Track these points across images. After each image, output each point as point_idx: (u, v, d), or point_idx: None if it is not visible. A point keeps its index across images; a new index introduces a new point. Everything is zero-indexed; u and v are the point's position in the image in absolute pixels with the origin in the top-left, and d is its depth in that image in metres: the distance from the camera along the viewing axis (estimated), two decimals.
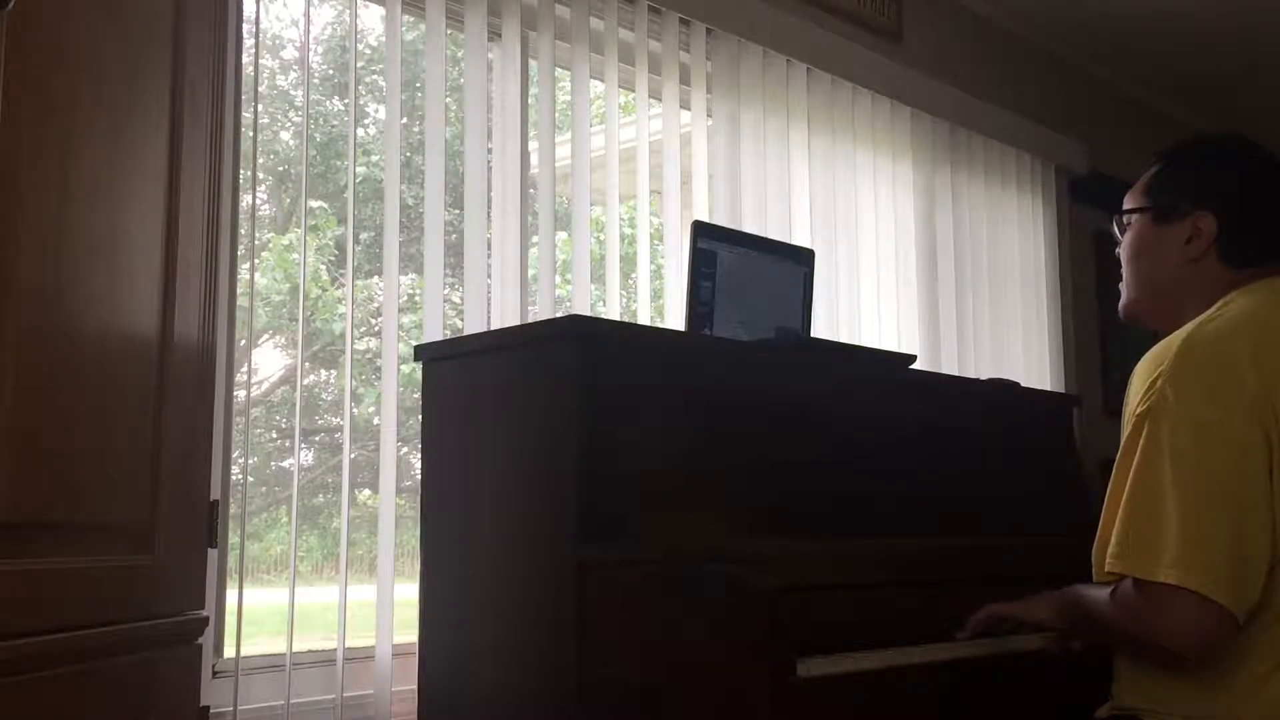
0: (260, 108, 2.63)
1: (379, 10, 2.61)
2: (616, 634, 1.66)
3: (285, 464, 3.75)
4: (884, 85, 3.57)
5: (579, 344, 1.79)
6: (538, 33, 2.77)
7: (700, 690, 1.59)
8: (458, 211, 2.70)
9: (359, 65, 2.87)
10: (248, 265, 2.32)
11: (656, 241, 3.01)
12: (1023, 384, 2.94)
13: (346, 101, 2.97)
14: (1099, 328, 4.54)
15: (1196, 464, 1.50)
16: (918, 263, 3.65)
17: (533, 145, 2.80)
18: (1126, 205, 1.82)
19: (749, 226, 3.03)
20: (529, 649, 1.81)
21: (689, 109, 3.11)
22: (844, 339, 3.18)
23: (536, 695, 1.79)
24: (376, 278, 3.30)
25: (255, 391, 3.07)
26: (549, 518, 1.78)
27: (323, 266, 4.32)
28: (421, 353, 2.11)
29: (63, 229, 1.40)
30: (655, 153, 2.99)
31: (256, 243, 2.41)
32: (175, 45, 1.63)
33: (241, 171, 2.33)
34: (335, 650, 2.31)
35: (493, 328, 2.55)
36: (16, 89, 1.29)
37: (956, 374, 3.55)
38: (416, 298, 2.74)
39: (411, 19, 2.70)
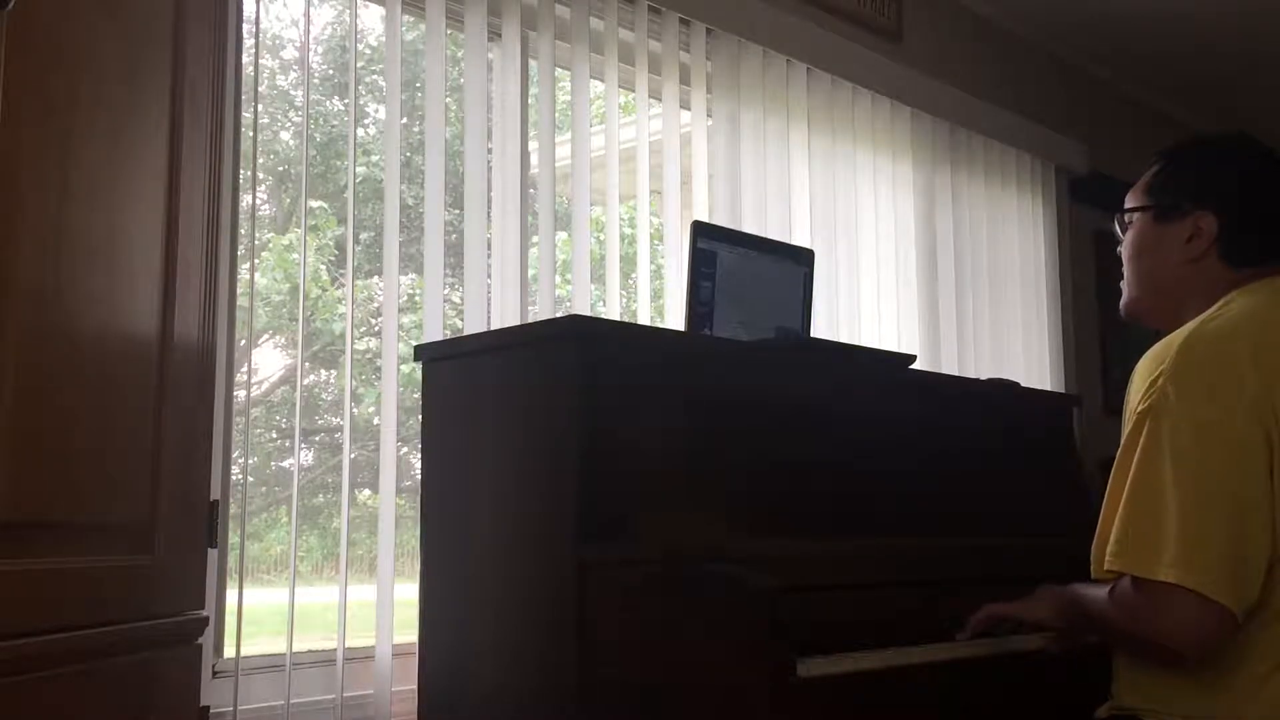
0: (260, 108, 2.63)
1: (379, 10, 2.61)
2: (616, 634, 1.66)
3: (285, 464, 3.75)
4: (884, 85, 3.57)
5: (579, 344, 1.79)
6: (538, 33, 2.77)
7: (700, 690, 1.59)
8: (458, 211, 2.70)
9: (359, 65, 2.87)
10: (248, 265, 2.32)
11: (656, 241, 3.01)
12: (1023, 384, 2.94)
13: (346, 101, 2.97)
14: (1099, 328, 4.54)
15: (1196, 463, 1.50)
16: (918, 263, 3.65)
17: (533, 145, 2.80)
18: (1128, 204, 1.82)
19: (749, 226, 3.03)
20: (529, 649, 1.81)
21: (689, 109, 3.11)
22: (844, 339, 3.17)
23: (536, 695, 1.79)
24: (376, 278, 3.30)
25: (255, 391, 3.07)
26: (549, 518, 1.78)
27: (323, 266, 4.32)
28: (421, 353, 2.11)
29: (63, 229, 1.40)
30: (655, 153, 2.99)
31: (256, 243, 2.41)
32: (175, 45, 1.63)
33: (241, 171, 2.33)
34: (335, 650, 2.31)
35: (493, 328, 2.55)
36: (16, 89, 1.29)
37: (956, 374, 3.55)
38: (416, 298, 2.74)
39: (411, 19, 2.70)
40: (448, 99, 2.67)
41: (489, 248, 2.65)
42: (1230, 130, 1.85)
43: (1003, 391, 2.51)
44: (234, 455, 2.31)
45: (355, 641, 2.35)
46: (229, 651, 2.19)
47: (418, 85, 2.93)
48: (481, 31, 2.66)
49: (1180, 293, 1.74)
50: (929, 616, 1.84)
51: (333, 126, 4.37)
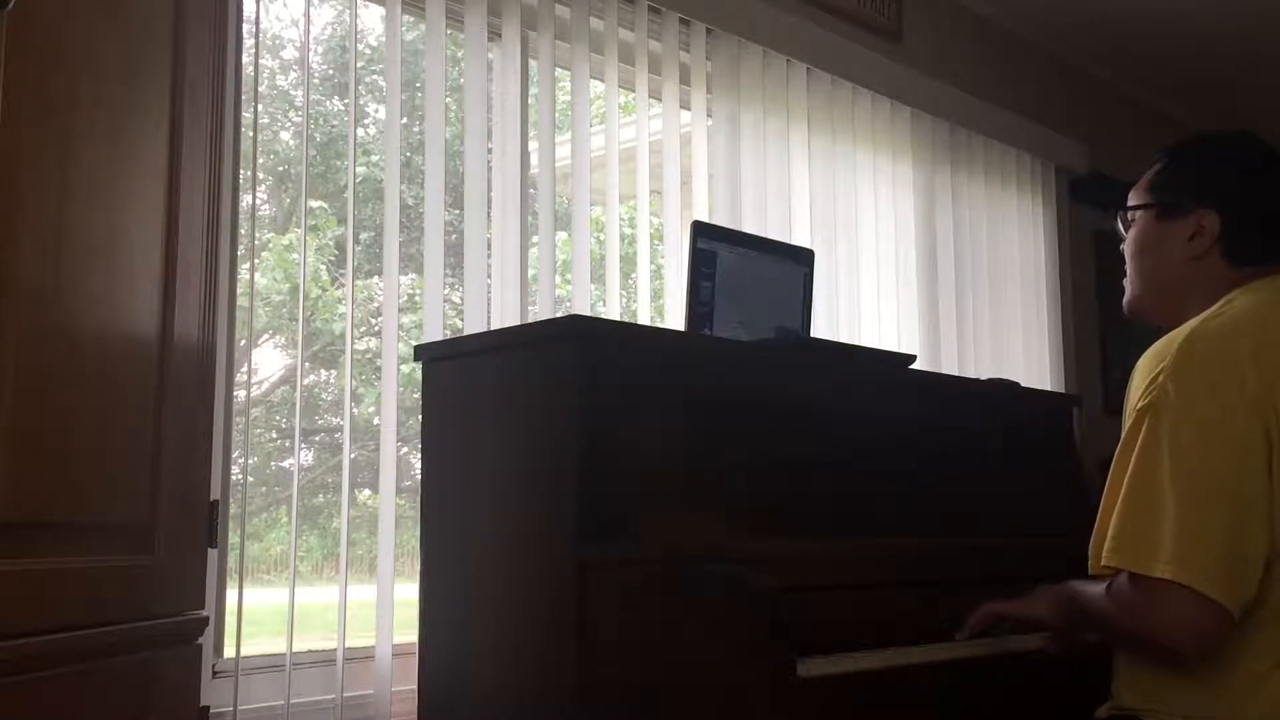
0: (260, 108, 2.63)
1: (379, 10, 2.61)
2: (616, 634, 1.66)
3: (285, 464, 3.75)
4: (884, 85, 3.57)
5: (579, 344, 1.79)
6: (538, 33, 2.77)
7: (700, 690, 1.59)
8: (458, 211, 2.70)
9: (359, 65, 2.87)
10: (248, 265, 2.32)
11: (656, 241, 3.01)
12: (1023, 384, 2.94)
13: (346, 101, 2.97)
14: (1099, 327, 4.54)
15: (1196, 460, 1.50)
16: (918, 263, 3.65)
17: (533, 145, 2.80)
18: (1131, 201, 1.82)
19: (749, 226, 3.03)
20: (529, 649, 1.81)
21: (689, 109, 3.11)
22: (844, 339, 3.17)
23: (536, 695, 1.79)
24: (376, 278, 3.30)
25: (255, 391, 3.07)
26: (549, 518, 1.78)
27: (323, 266, 4.32)
28: (421, 353, 2.11)
29: (63, 229, 1.40)
30: (655, 153, 2.99)
31: (256, 243, 2.41)
32: (175, 45, 1.64)
33: (241, 171, 2.33)
34: (335, 650, 2.31)
35: (493, 328, 2.55)
36: (16, 89, 1.30)
37: (956, 374, 3.55)
38: (416, 298, 2.74)
39: (411, 19, 2.70)
40: (448, 99, 2.67)
41: (489, 248, 2.65)
42: (1232, 129, 1.85)
43: (1003, 391, 2.51)
44: (234, 455, 2.31)
45: (355, 641, 2.35)
46: (229, 651, 2.19)
47: (418, 85, 2.93)
48: (481, 31, 2.66)
49: (1182, 290, 1.74)
50: (929, 616, 1.84)
51: (333, 126, 4.37)
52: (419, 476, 2.12)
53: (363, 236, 3.67)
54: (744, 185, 3.11)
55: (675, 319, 2.85)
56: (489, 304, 2.62)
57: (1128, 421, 1.59)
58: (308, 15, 2.53)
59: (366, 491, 3.00)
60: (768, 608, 1.56)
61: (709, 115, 3.12)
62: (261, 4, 2.42)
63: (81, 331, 1.44)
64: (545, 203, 2.73)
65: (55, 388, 1.39)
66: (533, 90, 2.84)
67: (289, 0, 3.90)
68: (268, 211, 4.42)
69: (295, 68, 4.38)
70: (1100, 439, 3.73)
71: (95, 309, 1.47)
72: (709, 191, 3.09)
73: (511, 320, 2.59)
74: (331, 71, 4.59)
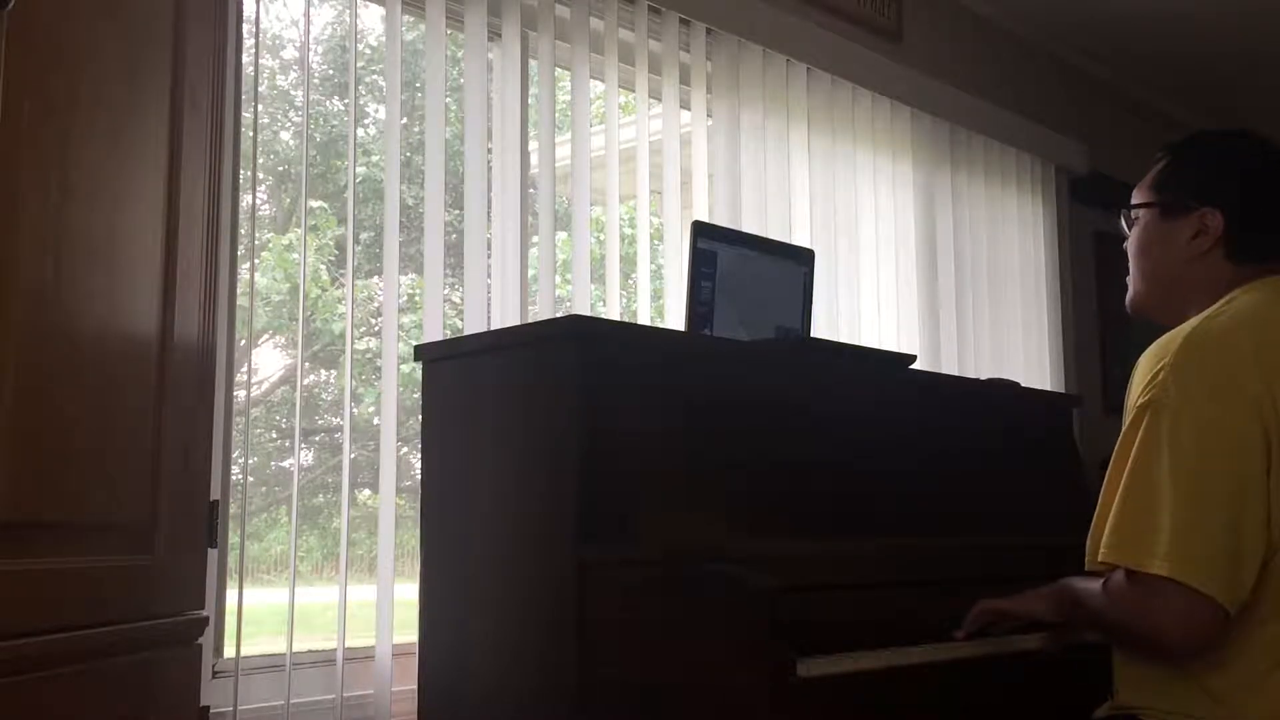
0: (260, 108, 2.63)
1: (379, 10, 2.61)
2: (616, 634, 1.66)
3: (285, 464, 3.74)
4: (884, 85, 3.57)
5: (579, 344, 1.79)
6: (538, 33, 2.78)
7: (700, 690, 1.59)
8: (458, 211, 2.70)
9: (359, 65, 2.87)
10: (248, 265, 2.32)
11: (656, 241, 3.01)
12: (1023, 384, 2.94)
13: (346, 101, 2.97)
14: (1099, 328, 4.54)
15: (1194, 458, 1.50)
16: (918, 263, 3.65)
17: (533, 145, 2.80)
18: (1134, 200, 1.83)
19: (749, 226, 3.03)
20: (529, 649, 1.81)
21: (689, 109, 3.11)
22: (844, 339, 3.17)
23: (536, 695, 1.79)
24: (376, 278, 3.30)
25: (255, 391, 3.07)
26: (549, 518, 1.78)
27: (323, 266, 4.32)
28: (421, 353, 2.11)
29: (63, 229, 1.40)
30: (655, 153, 2.99)
31: (256, 243, 2.41)
32: (175, 45, 1.64)
33: (241, 171, 2.33)
34: (335, 650, 2.31)
35: (493, 328, 2.55)
36: (16, 89, 1.30)
37: (956, 374, 3.55)
38: (416, 298, 2.74)
39: (411, 19, 2.70)
40: (448, 99, 2.67)
41: (489, 248, 2.65)
42: (1234, 128, 1.85)
43: (1003, 391, 2.51)
44: (234, 455, 2.31)
45: (355, 641, 2.35)
46: (229, 651, 2.19)
47: (418, 85, 2.93)
48: (481, 31, 2.66)
49: (1185, 289, 1.74)
50: (929, 616, 1.84)
51: (333, 126, 4.37)
52: (419, 476, 2.12)
53: (363, 236, 3.67)
54: (744, 185, 3.11)
55: (675, 319, 2.85)
56: (489, 304, 2.62)
57: (1128, 418, 1.60)
58: (308, 15, 2.53)
59: (366, 491, 3.00)
60: (768, 608, 1.56)
61: (709, 115, 3.12)
62: (261, 4, 2.42)
63: (81, 331, 1.44)
64: (545, 203, 2.73)
65: (55, 388, 1.39)
66: (533, 90, 2.84)
67: (289, 0, 3.90)
68: (268, 211, 4.42)
69: (295, 68, 4.38)
70: (1100, 439, 3.73)
71: (95, 309, 1.47)
72: (709, 191, 3.09)
73: (511, 320, 2.59)
74: (331, 71, 4.59)
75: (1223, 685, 1.53)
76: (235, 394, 2.32)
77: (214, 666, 2.18)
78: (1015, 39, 4.31)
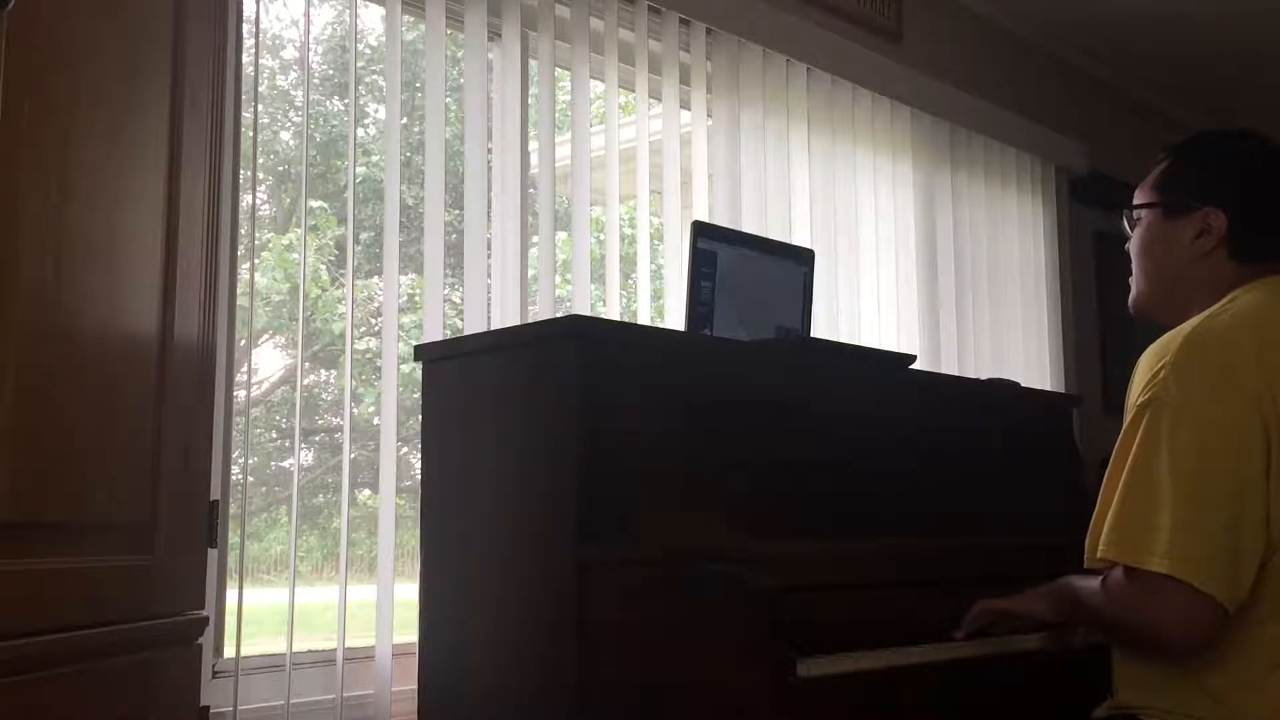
0: (260, 108, 2.63)
1: (379, 10, 2.61)
2: (616, 634, 1.66)
3: (285, 464, 3.74)
4: (884, 85, 3.57)
5: (579, 344, 1.79)
6: (538, 33, 2.78)
7: (700, 690, 1.59)
8: (458, 211, 2.70)
9: (359, 65, 2.87)
10: (248, 265, 2.32)
11: (656, 241, 3.01)
12: (1023, 384, 2.94)
13: (346, 101, 2.97)
14: (1099, 328, 4.54)
15: (1194, 457, 1.51)
16: (918, 263, 3.65)
17: (533, 145, 2.80)
18: (1136, 200, 1.83)
19: (749, 226, 3.03)
20: (529, 649, 1.81)
21: (689, 109, 3.11)
22: (844, 339, 3.17)
23: (536, 695, 1.79)
24: (376, 278, 3.30)
25: (255, 391, 3.07)
26: (549, 518, 1.78)
27: (323, 266, 4.32)
28: (421, 353, 2.11)
29: (63, 229, 1.40)
30: (655, 153, 2.99)
31: (256, 243, 2.41)
32: (175, 45, 1.64)
33: (241, 171, 2.33)
34: (335, 650, 2.31)
35: (493, 328, 2.55)
36: (16, 89, 1.30)
37: (956, 374, 3.55)
38: (416, 298, 2.74)
39: (411, 19, 2.70)
40: (448, 99, 2.67)
41: (489, 248, 2.65)
42: (1235, 128, 1.85)
43: (1003, 391, 2.51)
44: (234, 455, 2.31)
45: (355, 641, 2.35)
46: (229, 651, 2.19)
47: (418, 85, 2.93)
48: (481, 31, 2.66)
49: (1187, 288, 1.74)
50: (929, 616, 1.84)
51: (333, 126, 4.37)
52: (419, 476, 2.12)
53: (363, 236, 3.67)
54: (744, 185, 3.11)
55: (675, 319, 2.85)
56: (489, 304, 2.62)
57: (1128, 416, 1.60)
58: (308, 15, 2.53)
59: (366, 491, 3.00)
60: (768, 608, 1.56)
61: (709, 115, 3.12)
62: (261, 4, 2.42)
63: (81, 331, 1.44)
64: (545, 203, 2.73)
65: (55, 388, 1.39)
66: (533, 90, 2.84)
67: (289, 0, 3.90)
68: (268, 211, 4.42)
69: (295, 68, 4.38)
70: (1100, 439, 3.73)
71: (95, 309, 1.47)
72: (709, 191, 3.09)
73: (511, 320, 2.59)
74: (331, 71, 4.59)
75: (1222, 684, 1.53)
76: (235, 394, 2.32)
77: (214, 666, 2.18)
78: (1015, 39, 4.31)
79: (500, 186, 2.68)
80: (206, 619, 1.74)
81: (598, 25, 2.89)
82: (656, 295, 2.98)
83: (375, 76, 4.11)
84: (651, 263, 2.94)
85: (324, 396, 4.23)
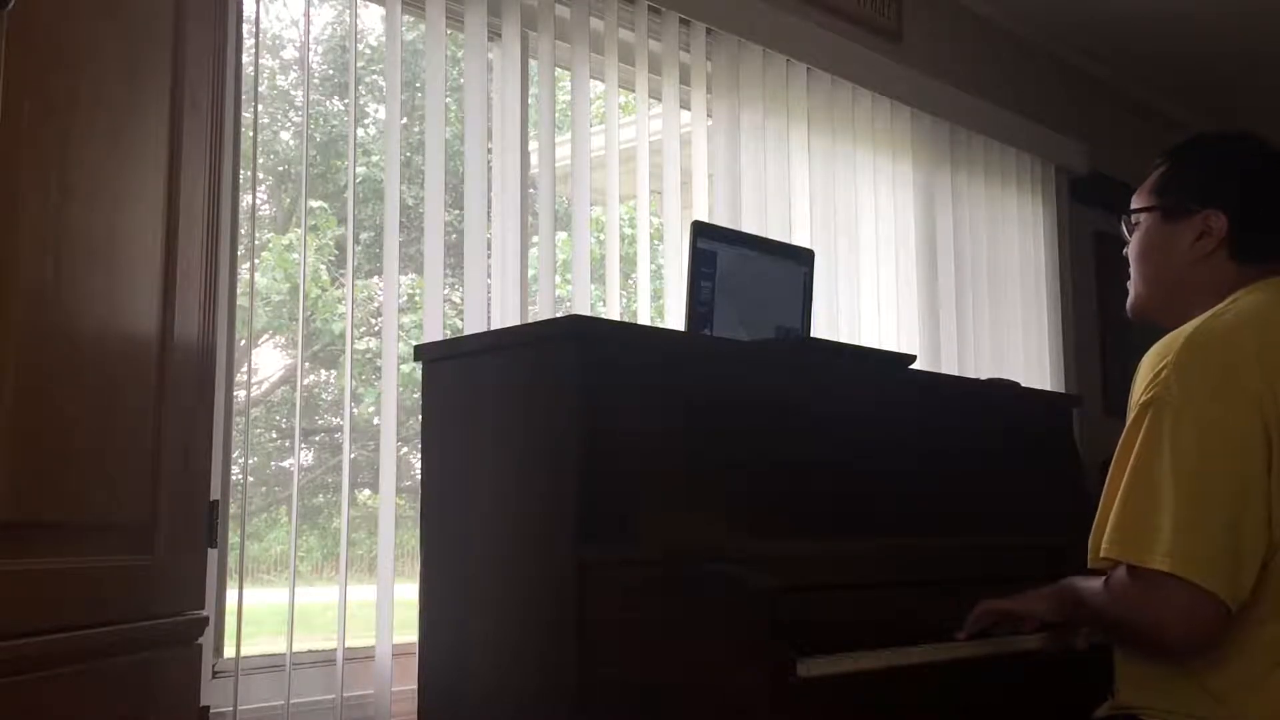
0: (260, 108, 2.63)
1: (379, 10, 2.61)
2: (616, 634, 1.66)
3: (285, 464, 3.74)
4: (884, 85, 3.57)
5: (579, 344, 1.79)
6: (538, 33, 2.78)
7: (700, 690, 1.59)
8: (458, 211, 2.70)
9: (359, 65, 2.87)
10: (248, 265, 2.32)
11: (656, 241, 3.01)
12: (1023, 384, 2.94)
13: (346, 101, 2.97)
14: (1099, 328, 4.54)
15: (1196, 456, 1.51)
16: (918, 263, 3.65)
17: (533, 145, 2.80)
18: (1135, 204, 1.83)
19: (749, 226, 3.03)
20: (529, 649, 1.81)
21: (689, 109, 3.11)
22: (844, 339, 3.17)
23: (536, 695, 1.79)
24: (376, 278, 3.30)
25: (255, 391, 3.07)
26: (549, 518, 1.78)
27: (323, 266, 4.32)
28: (421, 353, 2.11)
29: (63, 229, 1.40)
30: (655, 153, 2.99)
31: (256, 243, 2.41)
32: (175, 45, 1.64)
33: (241, 171, 2.33)
34: (335, 650, 2.31)
35: (493, 328, 2.55)
36: (16, 89, 1.29)
37: (956, 374, 3.55)
38: (416, 298, 2.74)
39: (411, 19, 2.70)
40: (448, 99, 2.67)
41: (489, 248, 2.65)
42: (1233, 129, 1.85)
43: (1003, 391, 2.51)
44: (234, 455, 2.31)
45: (355, 641, 2.35)
46: (229, 651, 2.19)
47: (418, 85, 2.93)
48: (481, 31, 2.66)
49: (1188, 291, 1.74)
50: (929, 616, 1.84)
51: (333, 126, 4.37)
52: (419, 476, 2.12)
53: (363, 236, 3.67)
54: (744, 185, 3.11)
55: (675, 319, 2.85)
56: (489, 304, 2.62)
57: (1130, 416, 1.60)
58: (308, 15, 2.53)
59: (366, 491, 3.00)
60: (768, 608, 1.56)
61: (709, 115, 3.12)
62: (261, 4, 2.42)
63: (81, 331, 1.44)
64: (545, 203, 2.73)
65: (55, 388, 1.39)
66: (533, 90, 2.84)
67: (289, 0, 3.90)
68: (268, 211, 4.42)
69: (295, 68, 4.38)
70: (1100, 439, 3.73)
71: (95, 309, 1.47)
72: (709, 191, 3.09)
73: (511, 320, 2.59)
74: (331, 71, 4.59)
75: (1223, 684, 1.53)
76: (235, 394, 2.32)
77: (214, 666, 2.18)
78: (1015, 39, 4.31)
79: (500, 186, 2.68)
80: (206, 619, 1.74)
81: (598, 25, 2.89)
82: (656, 295, 2.98)
83: (375, 76, 4.11)
84: (651, 263, 2.94)
85: (324, 396, 4.23)
